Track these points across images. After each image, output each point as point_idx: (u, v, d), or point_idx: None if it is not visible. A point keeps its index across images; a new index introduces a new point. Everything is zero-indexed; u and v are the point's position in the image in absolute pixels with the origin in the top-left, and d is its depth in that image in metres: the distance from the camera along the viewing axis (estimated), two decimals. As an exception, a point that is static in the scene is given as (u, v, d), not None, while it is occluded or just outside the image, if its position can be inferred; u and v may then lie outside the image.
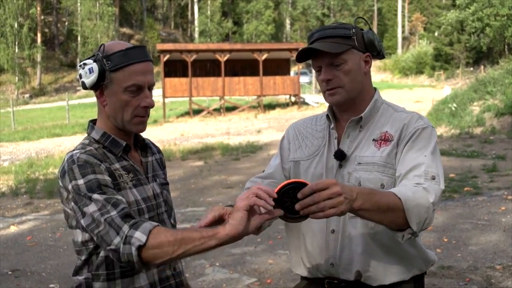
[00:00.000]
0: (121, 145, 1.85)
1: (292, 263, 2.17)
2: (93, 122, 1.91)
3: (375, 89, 2.09)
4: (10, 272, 5.94)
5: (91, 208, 1.66)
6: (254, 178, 2.16)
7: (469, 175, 10.41)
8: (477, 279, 5.01)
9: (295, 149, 2.13)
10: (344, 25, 2.00)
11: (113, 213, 1.63)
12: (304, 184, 1.56)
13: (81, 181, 1.69)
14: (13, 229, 7.99)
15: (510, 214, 7.23)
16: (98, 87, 1.80)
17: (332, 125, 2.05)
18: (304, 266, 2.08)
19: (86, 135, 1.91)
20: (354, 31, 1.97)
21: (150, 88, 1.83)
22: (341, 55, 1.94)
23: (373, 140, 1.98)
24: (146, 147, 1.97)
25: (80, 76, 1.80)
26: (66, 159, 1.77)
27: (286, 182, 1.59)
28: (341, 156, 1.98)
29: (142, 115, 1.82)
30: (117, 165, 1.82)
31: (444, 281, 4.98)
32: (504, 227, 6.68)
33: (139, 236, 1.57)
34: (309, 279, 2.10)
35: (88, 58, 1.80)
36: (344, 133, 2.02)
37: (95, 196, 1.66)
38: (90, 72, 1.77)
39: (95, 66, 1.76)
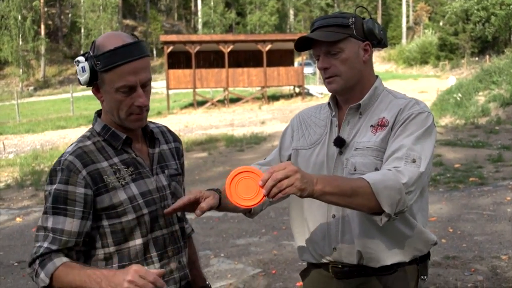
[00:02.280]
0: (121, 138, 1.83)
1: (298, 250, 2.20)
2: (99, 112, 1.91)
3: (376, 76, 2.10)
4: (16, 264, 5.97)
5: (41, 222, 1.76)
6: (254, 165, 2.18)
7: (474, 165, 10.37)
8: (483, 269, 5.00)
9: (298, 137, 2.16)
10: (344, 14, 2.01)
11: (45, 245, 1.71)
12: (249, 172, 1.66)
13: (53, 187, 1.74)
14: (18, 220, 8.02)
15: (516, 204, 7.21)
16: (93, 84, 1.79)
17: (334, 113, 2.08)
18: (309, 252, 2.12)
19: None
20: (353, 20, 1.99)
21: (146, 84, 1.78)
22: (337, 43, 1.97)
23: (371, 126, 2.00)
24: (154, 138, 1.94)
25: (76, 72, 1.79)
26: (59, 157, 1.80)
27: (239, 168, 1.66)
28: (340, 143, 2.01)
29: (137, 113, 1.79)
30: (115, 159, 1.81)
31: (449, 271, 4.97)
32: (510, 217, 6.66)
33: (43, 277, 1.68)
34: (315, 265, 2.14)
35: (82, 55, 1.77)
36: (344, 120, 2.04)
37: (49, 219, 1.73)
38: (83, 71, 1.75)
39: (86, 66, 1.74)
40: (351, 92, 2.04)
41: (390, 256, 2.00)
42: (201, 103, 32.23)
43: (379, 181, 1.75)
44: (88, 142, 1.82)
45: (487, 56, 38.31)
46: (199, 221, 7.30)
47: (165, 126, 2.06)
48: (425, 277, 2.12)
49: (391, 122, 1.97)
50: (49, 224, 1.73)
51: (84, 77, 1.76)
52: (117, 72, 1.71)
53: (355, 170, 1.94)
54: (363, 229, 1.97)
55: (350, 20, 1.98)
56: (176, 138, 2.06)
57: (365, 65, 2.04)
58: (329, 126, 2.09)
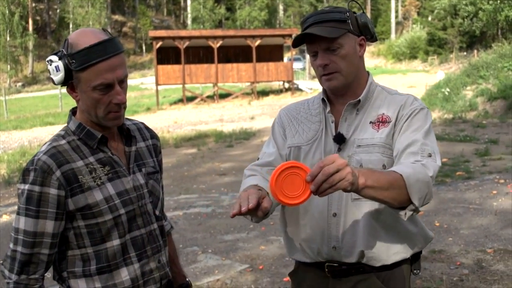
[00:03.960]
0: (96, 137, 1.80)
1: (288, 249, 2.15)
2: (74, 110, 1.87)
3: (368, 72, 2.09)
4: (1, 262, 5.93)
5: (14, 222, 1.75)
6: (253, 166, 2.11)
7: (461, 159, 10.44)
8: (468, 263, 5.04)
9: (292, 134, 2.09)
10: (338, 8, 1.98)
11: (18, 248, 1.73)
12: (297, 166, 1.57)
13: (26, 186, 1.72)
14: (5, 218, 7.97)
15: (502, 198, 7.26)
16: (67, 84, 1.74)
17: (329, 109, 2.04)
18: (303, 251, 2.07)
19: None
20: (348, 14, 1.96)
21: (123, 81, 1.75)
22: (337, 39, 1.93)
23: (370, 122, 1.99)
24: (130, 135, 1.91)
25: (49, 72, 1.74)
26: (33, 156, 1.76)
27: (284, 164, 1.57)
28: (341, 140, 1.98)
29: (116, 111, 1.76)
30: (91, 159, 1.78)
31: (435, 265, 5.00)
32: (496, 211, 6.71)
33: None
34: (307, 264, 2.09)
35: (55, 54, 1.72)
36: (341, 116, 2.01)
37: (21, 220, 1.73)
38: (57, 71, 1.70)
39: (60, 65, 1.69)
40: (348, 89, 2.01)
41: (393, 255, 2.00)
42: (190, 99, 32.17)
43: (411, 174, 1.74)
44: (63, 141, 1.79)
45: (475, 51, 38.48)
46: (187, 217, 7.30)
47: (142, 123, 2.03)
48: (418, 271, 2.14)
49: (394, 118, 1.97)
50: (21, 225, 1.72)
51: (58, 76, 1.70)
52: (93, 70, 1.67)
53: (360, 167, 1.91)
54: (369, 228, 1.95)
55: (346, 15, 1.96)
56: (153, 135, 2.03)
57: (360, 60, 2.03)
58: (324, 122, 2.05)
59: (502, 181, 8.25)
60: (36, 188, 1.70)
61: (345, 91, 2.01)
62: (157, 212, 1.92)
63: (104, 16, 55.97)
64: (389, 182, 1.69)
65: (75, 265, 1.78)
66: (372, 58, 53.95)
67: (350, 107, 2.01)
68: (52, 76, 1.73)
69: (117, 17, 64.65)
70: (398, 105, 1.99)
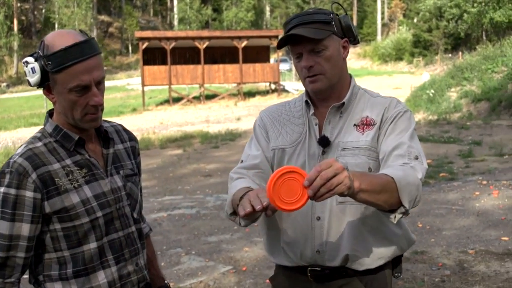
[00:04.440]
0: (73, 139, 1.78)
1: (269, 252, 2.12)
2: (51, 112, 1.85)
3: (350, 75, 2.09)
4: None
5: None
6: (239, 169, 2.05)
7: (445, 160, 10.52)
8: (450, 264, 5.07)
9: (275, 136, 2.05)
10: (322, 10, 1.98)
11: None
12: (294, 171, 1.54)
13: (2, 189, 1.69)
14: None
15: (484, 199, 7.33)
16: (44, 85, 1.72)
17: (312, 111, 2.02)
18: (285, 255, 2.03)
19: None
20: (332, 16, 1.95)
21: (100, 82, 1.73)
22: (322, 41, 1.92)
23: (354, 125, 1.98)
24: (108, 138, 1.89)
25: (25, 73, 1.71)
26: (8, 159, 1.74)
27: (281, 169, 1.54)
28: (325, 143, 1.96)
29: (93, 113, 1.74)
30: (67, 161, 1.76)
31: (417, 266, 5.03)
32: (478, 212, 6.77)
33: None
34: (289, 268, 2.06)
35: (31, 55, 1.70)
36: (325, 119, 2.00)
37: None
38: (33, 72, 1.67)
39: (36, 66, 1.67)
40: (332, 91, 2.00)
41: (377, 260, 2.00)
42: (176, 100, 32.10)
43: (402, 177, 1.74)
44: (39, 144, 1.76)
45: (460, 53, 38.79)
46: (171, 219, 7.28)
47: (120, 125, 2.01)
48: (400, 274, 2.13)
49: (378, 121, 1.97)
50: None
51: (34, 78, 1.69)
52: (69, 72, 1.66)
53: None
54: (354, 231, 1.94)
55: (330, 16, 1.95)
56: (132, 137, 2.01)
57: (344, 62, 2.02)
58: (307, 124, 2.02)
59: (484, 182, 8.33)
60: (12, 191, 1.68)
61: (328, 93, 2.00)
62: (135, 215, 1.91)
63: (90, 16, 55.71)
64: (382, 185, 1.69)
65: (51, 269, 1.77)
66: (358, 60, 54.20)
67: (334, 109, 2.00)
68: (28, 77, 1.71)
69: (103, 17, 64.36)
70: (382, 107, 1.99)
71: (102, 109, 1.78)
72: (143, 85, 30.98)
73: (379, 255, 2.00)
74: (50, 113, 1.84)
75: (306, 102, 2.04)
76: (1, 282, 1.72)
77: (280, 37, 2.00)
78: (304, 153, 1.99)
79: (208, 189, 9.47)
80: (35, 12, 61.68)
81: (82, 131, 1.80)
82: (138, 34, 32.67)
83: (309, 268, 2.00)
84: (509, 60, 19.59)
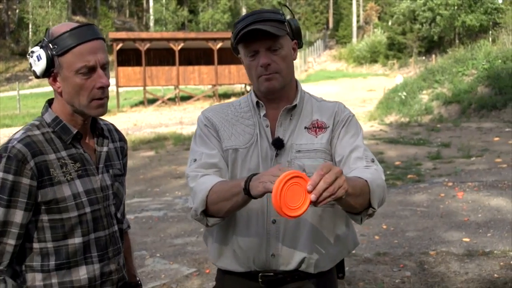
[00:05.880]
0: (71, 132, 1.79)
1: (215, 256, 2.05)
2: (51, 102, 1.85)
3: (296, 79, 2.10)
4: None
5: None
6: (197, 169, 1.95)
7: (414, 162, 10.64)
8: (411, 265, 5.14)
9: (227, 136, 2.01)
10: (276, 10, 1.98)
11: None
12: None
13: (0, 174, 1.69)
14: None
15: (448, 201, 7.44)
16: (49, 74, 1.74)
17: (264, 112, 2.01)
18: (236, 260, 2.00)
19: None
20: (284, 17, 1.96)
21: (104, 67, 1.75)
22: (279, 39, 1.92)
23: (305, 128, 2.00)
24: (103, 136, 1.91)
25: (31, 65, 1.74)
26: (4, 144, 1.73)
27: (287, 174, 1.51)
28: (280, 145, 1.96)
29: (99, 97, 1.75)
30: (63, 153, 1.77)
31: (378, 268, 5.09)
32: (442, 213, 6.87)
33: None
34: (236, 273, 2.02)
35: (36, 45, 1.73)
36: (277, 121, 2.00)
37: None
38: (38, 60, 1.71)
39: (42, 53, 1.70)
40: (284, 92, 2.00)
41: (331, 262, 2.02)
42: (151, 101, 31.92)
43: (373, 179, 1.78)
44: (37, 132, 1.77)
45: (434, 56, 39.27)
46: (138, 221, 7.25)
47: (112, 124, 2.03)
48: (343, 275, 2.16)
49: (330, 124, 2.00)
50: None
51: (40, 66, 1.72)
52: (75, 52, 1.69)
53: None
54: (311, 234, 1.95)
55: (283, 17, 1.95)
56: (121, 138, 2.04)
57: (293, 64, 2.03)
58: (258, 126, 2.01)
59: (450, 183, 8.45)
60: (10, 177, 1.68)
61: (280, 94, 2.00)
62: (118, 215, 1.93)
63: (64, 16, 55.03)
64: (361, 188, 1.72)
65: (34, 260, 1.76)
66: (334, 62, 54.47)
67: (285, 112, 2.00)
68: (34, 67, 1.73)
69: (78, 18, 63.67)
70: (331, 111, 2.03)
71: (107, 97, 1.80)
72: (118, 86, 30.73)
73: (332, 257, 2.02)
74: (49, 103, 1.85)
75: (257, 103, 2.03)
76: None
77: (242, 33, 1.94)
78: (256, 154, 1.97)
79: (178, 191, 9.44)
80: (9, 13, 60.84)
81: (81, 125, 1.82)
82: (112, 35, 32.39)
83: (261, 274, 1.98)
84: (479, 63, 19.88)
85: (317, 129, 2.00)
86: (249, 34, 1.90)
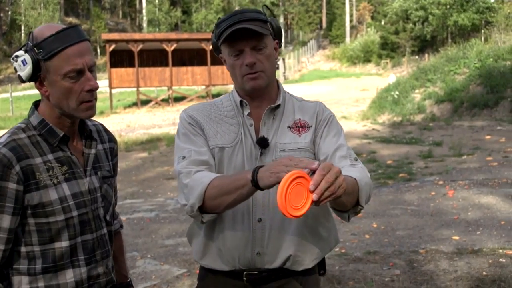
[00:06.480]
0: (58, 135, 1.77)
1: (199, 254, 2.06)
2: (37, 104, 1.82)
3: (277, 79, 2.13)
4: None
5: None
6: (189, 166, 1.94)
7: (405, 161, 10.68)
8: (401, 263, 5.16)
9: (213, 134, 2.01)
10: (258, 10, 2.00)
11: None
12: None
13: None
14: None
15: (439, 199, 7.48)
16: (36, 78, 1.71)
17: (248, 111, 2.02)
18: (221, 258, 2.00)
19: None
20: (267, 17, 1.99)
21: (91, 69, 1.73)
22: (264, 38, 1.95)
23: (288, 127, 2.02)
24: (91, 138, 1.88)
25: (15, 69, 1.70)
26: None
27: (291, 174, 1.52)
28: (265, 144, 1.97)
29: (88, 100, 1.73)
30: (50, 156, 1.75)
31: (368, 266, 5.11)
32: (432, 212, 6.90)
33: None
34: (221, 272, 2.03)
35: (20, 49, 1.69)
36: (261, 120, 2.01)
37: None
38: (24, 64, 1.66)
39: (27, 57, 1.66)
40: (267, 91, 2.02)
41: (315, 259, 2.03)
42: (145, 102, 31.89)
43: (361, 178, 1.81)
44: (23, 135, 1.75)
45: (426, 55, 39.41)
46: (130, 222, 7.25)
47: (101, 125, 2.00)
48: (324, 272, 2.18)
49: (313, 123, 2.02)
50: None
51: (26, 70, 1.68)
52: (62, 56, 1.66)
53: None
54: (297, 232, 1.96)
55: (266, 17, 1.97)
56: (111, 138, 2.01)
57: (275, 64, 2.05)
58: (242, 125, 2.02)
59: (441, 182, 8.49)
60: None
61: (263, 93, 2.02)
62: (107, 217, 1.91)
63: (57, 18, 54.91)
64: (352, 186, 1.74)
65: (20, 263, 1.76)
66: (327, 62, 54.55)
67: (269, 111, 2.02)
68: (19, 72, 1.69)
69: (71, 19, 63.53)
70: (313, 111, 2.06)
71: (96, 98, 1.77)
72: (111, 87, 30.69)
73: (316, 255, 2.04)
74: (36, 105, 1.82)
75: (241, 102, 2.03)
76: None
77: (215, 35, 1.99)
78: (242, 153, 1.98)
79: (170, 192, 9.44)
80: (1, 14, 60.66)
81: (68, 128, 1.80)
82: (105, 36, 32.35)
83: (245, 273, 1.99)
84: (470, 62, 19.97)
85: (300, 128, 2.02)
86: (234, 33, 1.91)
